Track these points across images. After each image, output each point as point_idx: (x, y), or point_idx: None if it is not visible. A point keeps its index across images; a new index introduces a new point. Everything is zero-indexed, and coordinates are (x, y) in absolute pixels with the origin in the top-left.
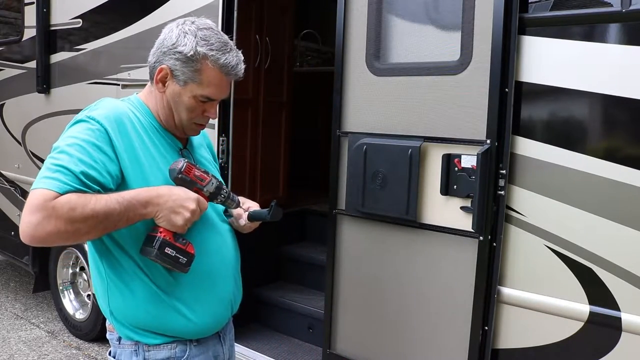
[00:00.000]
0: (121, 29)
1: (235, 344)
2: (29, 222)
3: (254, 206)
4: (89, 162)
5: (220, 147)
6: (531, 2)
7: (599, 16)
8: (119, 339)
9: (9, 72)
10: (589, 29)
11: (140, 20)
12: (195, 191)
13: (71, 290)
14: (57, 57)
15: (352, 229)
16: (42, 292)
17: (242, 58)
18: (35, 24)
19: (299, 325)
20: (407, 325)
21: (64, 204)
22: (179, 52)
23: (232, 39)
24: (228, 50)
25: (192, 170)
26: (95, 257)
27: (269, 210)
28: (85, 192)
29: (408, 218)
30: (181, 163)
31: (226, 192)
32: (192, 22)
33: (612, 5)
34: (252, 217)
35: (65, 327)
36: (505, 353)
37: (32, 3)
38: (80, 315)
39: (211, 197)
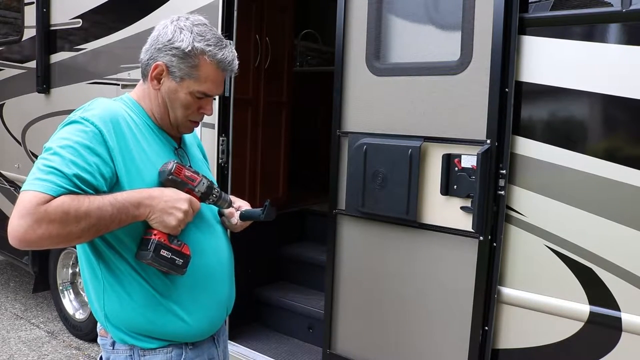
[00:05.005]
0: (121, 29)
1: (236, 344)
2: (19, 225)
3: (244, 205)
4: (82, 165)
5: (220, 147)
6: (531, 2)
7: (599, 16)
8: (113, 343)
9: (9, 72)
10: (589, 29)
11: (140, 20)
12: (187, 192)
13: (71, 290)
14: (57, 57)
15: (352, 229)
16: (42, 292)
17: (236, 54)
18: (35, 24)
19: (299, 325)
20: (407, 325)
21: (56, 207)
22: (176, 48)
23: (232, 39)
24: (224, 45)
25: (183, 170)
26: (90, 259)
27: (262, 209)
28: (78, 194)
29: (408, 218)
30: (171, 164)
31: (217, 192)
32: (187, 19)
33: (612, 5)
34: (244, 216)
35: (65, 327)
36: (505, 353)
37: (32, 3)
38: (80, 315)
39: (203, 197)
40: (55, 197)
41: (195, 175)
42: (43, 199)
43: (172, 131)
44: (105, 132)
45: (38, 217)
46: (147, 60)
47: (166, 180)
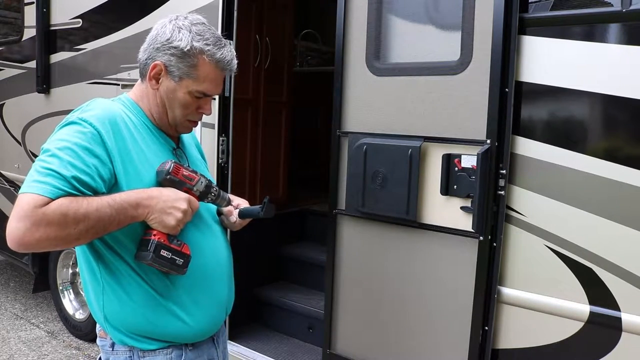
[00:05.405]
0: (121, 29)
1: (236, 344)
2: (17, 228)
3: (243, 203)
4: (81, 167)
5: (220, 147)
6: (531, 2)
7: (599, 16)
8: (112, 345)
9: (9, 72)
10: (589, 29)
11: (140, 20)
12: (185, 191)
13: (71, 290)
14: (57, 57)
15: (352, 229)
16: (42, 292)
17: (235, 53)
18: (35, 24)
19: (299, 325)
20: (407, 325)
21: (55, 209)
22: (175, 47)
23: (232, 39)
24: (222, 45)
25: (180, 170)
26: (90, 260)
27: (261, 206)
28: (76, 196)
29: (408, 218)
30: (168, 164)
31: (216, 191)
32: (185, 18)
33: (612, 5)
34: (244, 214)
35: (65, 327)
36: (505, 353)
37: (32, 3)
38: (80, 315)
39: (201, 196)
40: (53, 200)
41: (193, 175)
42: (41, 201)
43: (171, 131)
44: (104, 133)
45: (36, 219)
46: (146, 59)
47: (164, 180)
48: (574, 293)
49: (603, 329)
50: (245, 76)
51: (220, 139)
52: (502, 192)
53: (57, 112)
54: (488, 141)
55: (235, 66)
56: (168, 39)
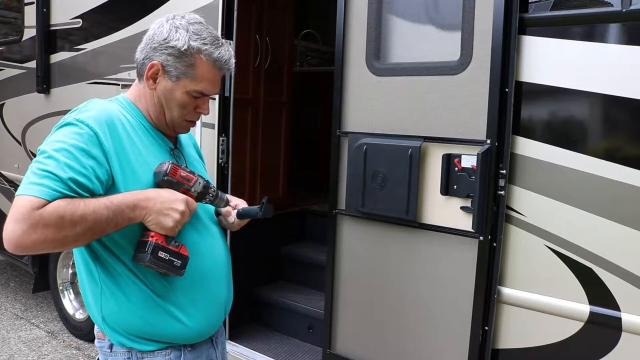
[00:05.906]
0: (121, 29)
1: (236, 344)
2: (14, 231)
3: (241, 204)
4: (78, 169)
5: (220, 147)
6: (531, 2)
7: (599, 16)
8: (111, 346)
9: (9, 72)
10: (589, 29)
11: (140, 20)
12: (183, 192)
13: (71, 290)
14: (57, 57)
15: (352, 229)
16: (42, 292)
17: (233, 53)
18: (35, 24)
19: (299, 325)
20: (407, 325)
21: (52, 211)
22: (172, 47)
23: (232, 39)
24: (220, 44)
25: (178, 171)
26: (87, 262)
27: (260, 207)
28: (73, 197)
29: (408, 218)
30: (166, 165)
31: (214, 191)
32: (182, 17)
33: (612, 5)
34: (242, 214)
35: (65, 327)
36: (505, 353)
37: (32, 3)
38: (80, 315)
39: (199, 197)
40: (50, 202)
41: (191, 175)
42: (38, 203)
43: (168, 131)
44: (101, 134)
45: (33, 221)
46: (143, 59)
47: (162, 181)
48: (574, 293)
49: (603, 329)
50: (245, 76)
51: (220, 139)
52: (502, 192)
53: (57, 112)
54: (488, 141)
55: (233, 65)
56: (165, 39)
